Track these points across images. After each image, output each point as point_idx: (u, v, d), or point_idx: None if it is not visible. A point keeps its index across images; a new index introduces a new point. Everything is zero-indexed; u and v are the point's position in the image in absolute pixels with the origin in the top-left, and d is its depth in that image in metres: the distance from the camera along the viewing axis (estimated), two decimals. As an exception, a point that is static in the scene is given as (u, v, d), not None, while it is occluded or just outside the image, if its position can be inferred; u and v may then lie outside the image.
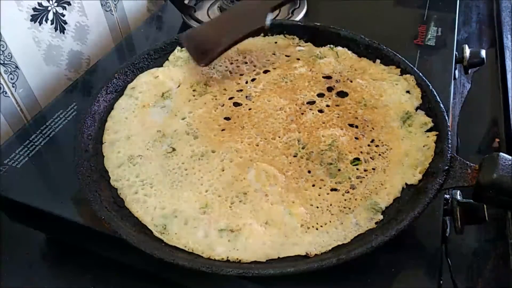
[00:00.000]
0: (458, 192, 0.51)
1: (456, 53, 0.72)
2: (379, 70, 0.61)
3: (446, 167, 0.47)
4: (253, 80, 0.61)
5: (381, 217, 0.46)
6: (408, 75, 0.59)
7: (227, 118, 0.57)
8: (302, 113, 0.56)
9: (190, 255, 0.44)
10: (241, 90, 0.60)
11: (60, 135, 0.60)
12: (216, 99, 0.59)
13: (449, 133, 0.50)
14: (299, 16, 0.81)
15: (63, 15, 0.73)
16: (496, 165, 0.44)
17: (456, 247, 0.60)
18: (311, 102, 0.58)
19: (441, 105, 0.53)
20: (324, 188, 0.49)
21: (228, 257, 0.44)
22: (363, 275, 0.44)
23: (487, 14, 1.06)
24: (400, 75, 0.60)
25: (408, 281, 0.44)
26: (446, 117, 0.52)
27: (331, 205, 0.47)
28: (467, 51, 0.72)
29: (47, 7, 0.70)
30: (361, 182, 0.49)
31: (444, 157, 0.47)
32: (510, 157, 0.45)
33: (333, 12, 0.85)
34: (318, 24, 0.67)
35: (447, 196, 0.51)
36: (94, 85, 0.68)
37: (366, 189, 0.48)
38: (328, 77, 0.61)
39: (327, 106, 0.57)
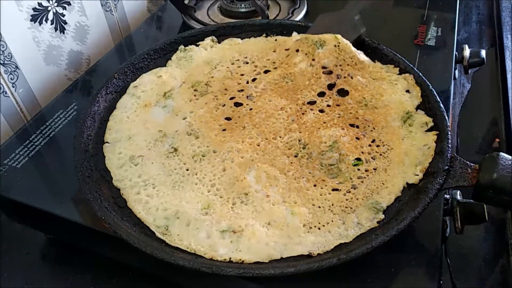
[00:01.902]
0: (458, 192, 0.52)
1: (456, 53, 0.72)
2: (377, 69, 0.61)
3: (446, 167, 0.47)
4: (254, 80, 0.61)
5: (382, 216, 0.46)
6: (407, 74, 0.59)
7: (228, 118, 0.56)
8: (303, 113, 0.56)
9: (191, 255, 0.44)
10: (242, 90, 0.60)
11: (60, 135, 0.60)
12: (217, 99, 0.59)
13: (449, 133, 0.50)
14: (299, 16, 0.81)
15: (63, 15, 0.73)
16: (496, 165, 0.44)
17: (456, 247, 0.60)
18: (312, 102, 0.58)
19: (441, 105, 0.53)
20: (325, 188, 0.49)
21: (230, 258, 0.44)
22: (363, 275, 0.44)
23: (487, 14, 1.06)
24: (399, 74, 0.60)
25: (408, 281, 0.44)
26: (446, 117, 0.52)
27: (332, 205, 0.47)
28: (467, 51, 0.72)
29: (47, 7, 0.70)
30: (362, 182, 0.49)
31: (444, 157, 0.47)
32: (510, 157, 0.45)
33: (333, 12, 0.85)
34: (318, 24, 0.67)
35: (447, 196, 0.51)
36: (94, 85, 0.68)
37: (368, 188, 0.48)
38: (329, 72, 0.60)
39: (328, 106, 0.57)
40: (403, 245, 0.46)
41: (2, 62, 0.65)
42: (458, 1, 0.84)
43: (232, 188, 0.49)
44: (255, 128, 0.55)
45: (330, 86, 0.59)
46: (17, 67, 0.67)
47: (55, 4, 0.71)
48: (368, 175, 0.50)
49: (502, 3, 1.04)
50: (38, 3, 0.69)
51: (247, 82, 0.61)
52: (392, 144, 0.52)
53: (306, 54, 0.62)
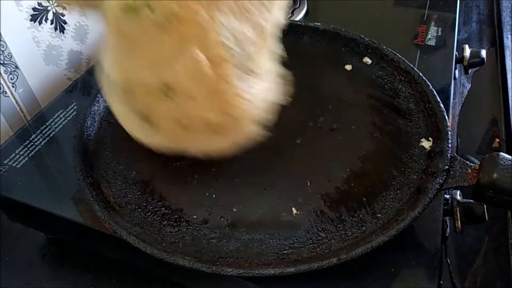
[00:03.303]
0: (458, 192, 0.51)
1: (456, 53, 0.72)
2: None
3: (446, 167, 0.47)
4: None
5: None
6: None
7: None
8: None
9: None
10: None
11: (60, 135, 0.60)
12: None
13: (449, 133, 0.50)
14: (299, 16, 0.81)
15: (63, 15, 0.73)
16: (496, 165, 0.44)
17: (456, 247, 0.60)
18: None
19: (441, 105, 0.53)
20: None
21: None
22: (363, 275, 0.44)
23: (487, 14, 1.06)
24: None
25: (408, 281, 0.44)
26: (446, 117, 0.52)
27: None
28: (467, 51, 0.72)
29: (47, 7, 0.70)
30: None
31: (444, 157, 0.47)
32: (510, 157, 0.45)
33: (333, 12, 0.85)
34: (318, 24, 0.67)
35: (447, 196, 0.51)
36: (94, 85, 0.68)
37: None
38: None
39: None
40: (403, 245, 0.46)
41: (2, 62, 0.65)
42: (458, 1, 0.84)
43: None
44: None
45: None
46: (17, 67, 0.67)
47: (55, 4, 0.71)
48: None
49: (502, 3, 1.04)
50: (38, 3, 0.69)
51: None
52: None
53: None
